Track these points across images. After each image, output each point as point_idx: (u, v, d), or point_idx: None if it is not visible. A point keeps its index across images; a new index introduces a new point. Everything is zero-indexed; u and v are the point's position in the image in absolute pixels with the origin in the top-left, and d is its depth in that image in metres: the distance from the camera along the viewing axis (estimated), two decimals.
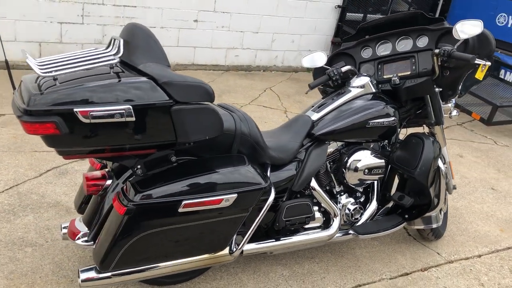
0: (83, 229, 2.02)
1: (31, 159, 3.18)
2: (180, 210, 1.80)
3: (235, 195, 1.88)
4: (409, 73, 2.52)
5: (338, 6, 6.06)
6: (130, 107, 1.66)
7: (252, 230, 2.05)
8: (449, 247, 2.91)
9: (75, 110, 1.60)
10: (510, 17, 6.13)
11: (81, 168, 3.16)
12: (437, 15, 7.32)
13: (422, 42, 2.51)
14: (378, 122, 2.37)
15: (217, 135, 1.88)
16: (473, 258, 2.85)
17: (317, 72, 2.74)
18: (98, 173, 2.00)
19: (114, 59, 1.74)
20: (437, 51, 2.33)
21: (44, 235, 2.48)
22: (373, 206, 2.52)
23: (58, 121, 1.59)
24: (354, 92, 2.45)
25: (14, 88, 1.94)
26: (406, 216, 2.57)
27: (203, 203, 1.83)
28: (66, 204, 2.76)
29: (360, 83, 2.47)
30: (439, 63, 2.39)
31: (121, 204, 1.76)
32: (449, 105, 2.62)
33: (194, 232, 1.89)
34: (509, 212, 3.48)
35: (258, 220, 2.04)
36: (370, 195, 2.55)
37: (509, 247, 3.03)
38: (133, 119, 1.67)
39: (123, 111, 1.65)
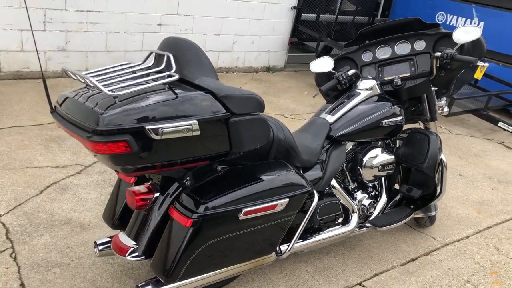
0: (131, 243, 2.01)
1: (25, 176, 3.05)
2: (241, 217, 1.87)
3: (287, 199, 1.98)
4: (409, 74, 2.73)
5: (294, 7, 6.25)
6: (196, 121, 1.71)
7: (300, 231, 2.16)
8: (440, 231, 3.18)
9: (146, 127, 1.63)
10: (448, 15, 6.66)
11: (80, 183, 3.08)
12: (379, 14, 7.76)
13: (420, 45, 2.73)
14: (390, 121, 2.56)
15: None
16: (463, 240, 3.14)
17: (320, 76, 2.87)
18: (143, 187, 2.00)
19: (174, 75, 1.77)
20: (438, 54, 2.55)
21: (67, 254, 2.42)
22: (383, 200, 2.71)
23: (130, 139, 1.61)
24: (363, 94, 2.62)
25: (52, 108, 1.90)
26: (412, 206, 2.80)
27: (260, 210, 1.91)
28: (78, 221, 2.70)
29: (368, 86, 2.64)
30: (438, 65, 2.62)
31: (185, 217, 1.80)
32: (442, 102, 2.88)
33: (250, 237, 1.97)
34: (479, 195, 3.84)
35: (305, 221, 2.16)
36: (379, 190, 2.74)
37: (488, 226, 3.37)
38: (198, 133, 1.72)
39: (190, 125, 1.70)
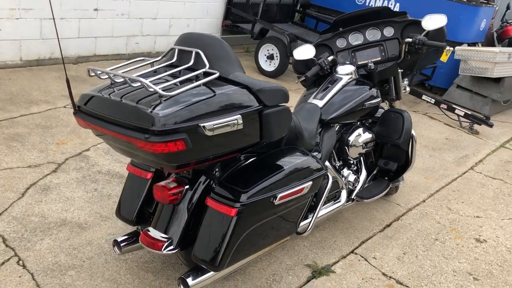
0: (164, 237, 2.05)
1: None
2: (276, 202, 1.99)
3: (311, 182, 2.14)
4: (379, 58, 2.98)
5: None
6: (240, 116, 1.80)
7: (318, 210, 2.34)
8: (402, 198, 3.56)
9: (200, 124, 1.68)
10: None
11: (60, 181, 2.97)
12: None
13: (388, 32, 2.99)
14: (371, 103, 2.81)
15: None
16: (421, 204, 3.55)
17: (298, 63, 3.02)
18: (171, 182, 2.04)
19: (214, 72, 1.82)
20: (409, 40, 2.83)
21: (76, 256, 2.38)
22: (364, 174, 2.98)
23: (186, 137, 1.66)
24: (345, 79, 2.83)
25: (76, 108, 1.87)
26: (386, 178, 3.10)
27: (292, 193, 2.05)
28: (73, 221, 2.63)
29: (348, 71, 2.85)
30: (406, 49, 2.91)
31: (228, 206, 1.88)
32: (405, 82, 3.19)
33: (280, 220, 2.11)
34: (422, 163, 4.30)
35: (323, 201, 2.34)
36: (359, 166, 3.00)
37: (437, 190, 3.82)
38: (242, 126, 1.81)
39: (236, 120, 1.79)
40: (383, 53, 2.99)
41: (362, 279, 2.58)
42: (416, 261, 2.81)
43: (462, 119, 5.49)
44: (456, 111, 5.48)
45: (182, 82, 1.80)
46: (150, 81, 1.71)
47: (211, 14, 6.29)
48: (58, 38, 1.97)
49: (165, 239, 2.03)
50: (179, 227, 2.04)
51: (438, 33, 2.90)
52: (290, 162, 2.13)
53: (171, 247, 2.02)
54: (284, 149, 2.24)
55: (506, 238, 3.24)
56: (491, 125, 5.35)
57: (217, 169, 2.03)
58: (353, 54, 3.03)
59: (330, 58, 2.88)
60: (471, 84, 6.18)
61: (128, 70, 1.98)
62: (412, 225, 3.21)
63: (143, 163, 2.18)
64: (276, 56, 5.83)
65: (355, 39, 3.04)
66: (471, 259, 2.93)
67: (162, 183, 2.04)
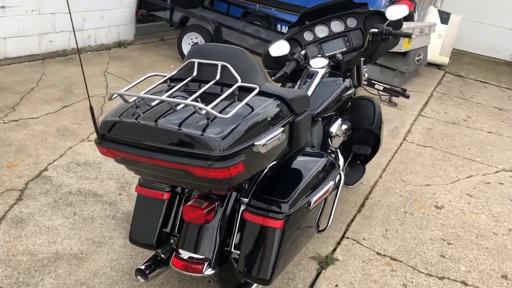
0: (200, 258, 1.98)
1: None
2: (310, 207, 2.03)
3: (332, 181, 2.20)
4: (345, 49, 3.10)
5: None
6: (282, 128, 1.79)
7: (335, 206, 2.41)
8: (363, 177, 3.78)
9: (255, 143, 1.65)
10: None
11: (32, 210, 2.68)
12: None
13: (351, 23, 3.11)
14: (347, 94, 2.92)
15: None
16: (380, 180, 3.81)
17: (270, 58, 3.02)
18: (201, 200, 1.97)
19: (254, 87, 1.78)
20: (375, 30, 2.97)
21: None
22: (341, 161, 3.12)
23: (245, 159, 1.62)
24: (321, 72, 2.90)
25: (100, 137, 1.73)
26: (358, 161, 3.28)
27: (321, 196, 2.10)
28: (67, 253, 2.42)
29: (323, 64, 2.92)
30: (370, 39, 3.05)
31: (273, 219, 1.88)
32: (365, 70, 3.36)
33: (310, 223, 2.15)
34: None
35: (339, 196, 2.42)
36: (336, 155, 3.13)
37: (386, 164, 4.12)
38: (285, 138, 1.81)
39: (281, 134, 1.78)
40: (347, 44, 3.11)
41: (363, 261, 2.74)
42: (398, 236, 3.04)
43: (381, 93, 5.91)
44: (376, 86, 5.88)
45: (231, 98, 1.75)
46: (191, 100, 1.63)
47: (125, 4, 5.94)
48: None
49: (202, 260, 1.97)
50: (213, 245, 1.99)
51: (396, 22, 3.08)
52: (312, 165, 2.17)
53: (210, 268, 1.97)
54: (296, 152, 2.26)
55: (457, 201, 3.62)
56: (407, 96, 5.84)
57: (245, 182, 2.00)
58: (319, 46, 3.11)
59: (303, 52, 2.93)
60: (381, 59, 6.65)
61: (151, 90, 1.85)
62: (381, 202, 3.44)
63: (160, 183, 2.07)
64: None
65: (321, 31, 3.11)
66: (439, 225, 3.25)
67: (192, 203, 1.96)
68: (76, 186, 2.98)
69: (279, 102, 1.86)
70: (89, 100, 1.72)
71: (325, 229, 2.42)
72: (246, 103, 1.76)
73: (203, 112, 1.61)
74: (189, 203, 1.97)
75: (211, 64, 1.90)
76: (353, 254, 2.79)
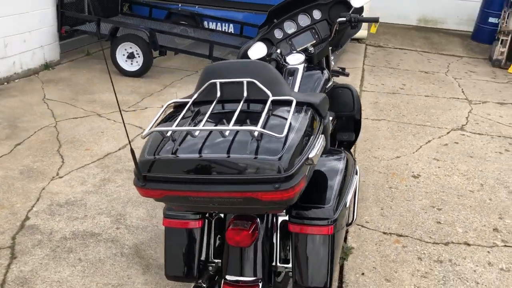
0: (250, 280, 1.93)
1: None
2: (347, 206, 2.05)
3: (357, 176, 2.24)
4: (315, 41, 3.14)
5: None
6: (323, 135, 1.80)
7: (357, 199, 2.46)
8: None
9: (309, 156, 1.64)
10: None
11: (31, 267, 2.46)
12: None
13: (317, 15, 3.15)
14: (329, 85, 2.97)
15: None
16: (356, 159, 3.92)
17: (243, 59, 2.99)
18: (242, 222, 1.92)
19: (291, 99, 1.76)
20: (343, 19, 3.03)
21: None
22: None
23: (305, 174, 1.61)
24: (301, 68, 2.91)
25: (143, 178, 1.63)
26: (342, 148, 3.35)
27: (353, 194, 2.13)
28: None
29: (301, 60, 2.94)
30: (337, 28, 3.11)
31: (322, 226, 1.88)
32: (331, 59, 3.42)
33: (346, 220, 2.18)
34: None
35: (358, 189, 2.45)
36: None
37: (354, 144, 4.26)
38: (324, 144, 1.81)
39: (322, 141, 1.78)
40: (316, 36, 3.15)
41: (375, 244, 2.83)
42: (394, 212, 3.18)
43: None
44: None
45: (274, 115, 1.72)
46: (234, 124, 1.59)
47: (46, 23, 5.52)
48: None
49: (255, 282, 1.93)
50: (261, 265, 1.95)
51: (359, 9, 3.17)
52: (339, 164, 2.18)
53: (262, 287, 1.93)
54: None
55: (428, 168, 3.85)
56: (347, 74, 5.99)
57: None
58: (290, 42, 3.12)
59: (279, 50, 2.92)
60: None
61: (181, 120, 1.76)
62: (367, 181, 3.57)
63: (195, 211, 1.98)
64: (138, 54, 5.48)
65: (289, 27, 3.12)
66: (423, 194, 3.44)
67: (234, 226, 1.89)
68: (68, 230, 2.76)
69: (311, 110, 1.85)
70: (129, 142, 1.60)
71: (352, 222, 2.47)
72: (280, 115, 1.74)
73: (256, 134, 1.56)
74: (230, 227, 1.90)
75: (235, 82, 1.84)
76: (364, 239, 2.87)
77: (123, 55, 5.53)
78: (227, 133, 1.63)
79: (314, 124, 1.82)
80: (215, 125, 1.73)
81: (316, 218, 1.89)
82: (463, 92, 5.96)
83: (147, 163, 1.64)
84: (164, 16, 6.76)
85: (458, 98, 5.70)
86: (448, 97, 5.70)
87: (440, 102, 5.53)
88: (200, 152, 1.61)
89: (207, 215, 2.06)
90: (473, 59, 7.79)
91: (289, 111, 1.78)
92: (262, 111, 1.79)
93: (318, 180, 2.08)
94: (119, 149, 3.78)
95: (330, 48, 3.24)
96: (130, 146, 1.56)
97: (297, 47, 3.10)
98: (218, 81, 1.86)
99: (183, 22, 6.66)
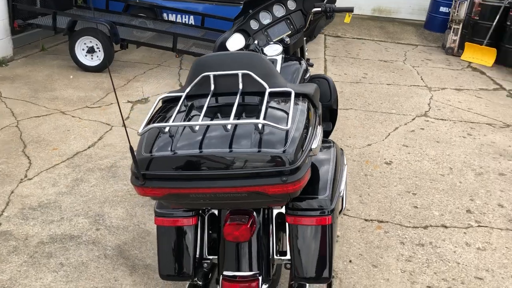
0: (250, 275, 1.90)
1: None
2: (341, 195, 2.06)
3: (346, 165, 2.25)
4: (290, 32, 3.12)
5: None
6: (320, 126, 1.79)
7: (347, 187, 2.47)
8: None
9: (312, 147, 1.63)
10: None
11: (10, 276, 2.32)
12: None
13: (291, 5, 3.13)
14: (307, 76, 2.96)
15: None
16: None
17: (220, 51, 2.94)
18: (239, 216, 1.89)
19: (289, 90, 1.73)
20: (319, 9, 3.02)
21: None
22: None
23: (310, 166, 1.60)
24: (279, 59, 2.89)
25: (142, 177, 1.58)
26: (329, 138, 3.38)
27: (345, 184, 2.14)
28: None
29: (278, 51, 2.91)
30: (312, 18, 3.11)
31: (321, 217, 1.87)
32: (305, 49, 3.42)
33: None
34: None
35: (346, 177, 2.47)
36: None
37: None
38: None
39: (320, 132, 1.77)
40: (291, 26, 3.14)
41: (359, 231, 2.87)
42: (372, 199, 3.23)
43: None
44: None
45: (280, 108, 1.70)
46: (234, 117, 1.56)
47: None
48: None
49: (255, 276, 1.90)
50: (260, 258, 1.93)
51: None
52: (330, 155, 2.18)
53: (264, 282, 1.91)
54: None
55: (399, 154, 3.95)
56: (312, 65, 6.03)
57: None
58: (266, 33, 3.09)
59: (256, 42, 2.89)
60: None
61: (177, 115, 1.69)
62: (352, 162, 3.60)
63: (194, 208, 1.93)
64: (98, 48, 5.29)
65: (265, 18, 3.09)
66: (397, 179, 3.52)
67: (231, 222, 1.86)
68: (45, 234, 2.63)
69: (307, 101, 1.84)
70: (128, 139, 1.52)
71: (342, 211, 2.48)
72: (281, 108, 1.71)
73: (260, 126, 1.53)
74: (228, 222, 1.87)
75: (230, 74, 1.79)
76: (347, 227, 2.91)
77: (83, 49, 5.31)
78: (228, 126, 1.59)
79: (310, 115, 1.80)
80: (213, 119, 1.69)
81: (313, 209, 1.89)
82: (422, 79, 6.14)
83: (145, 161, 1.57)
84: (121, 9, 6.55)
85: (419, 86, 5.86)
86: (409, 85, 5.85)
87: (402, 90, 5.67)
88: (201, 147, 1.57)
89: (199, 211, 2.01)
90: (427, 47, 8.05)
91: (286, 103, 1.77)
92: (260, 103, 1.77)
93: (312, 171, 2.07)
94: (89, 147, 3.64)
95: (304, 38, 3.24)
96: (130, 144, 1.49)
97: (273, 38, 3.08)
98: (212, 73, 1.81)
99: (142, 15, 6.48)
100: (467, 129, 4.59)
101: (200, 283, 2.03)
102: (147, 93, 4.90)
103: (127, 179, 3.21)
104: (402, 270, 2.57)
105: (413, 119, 4.75)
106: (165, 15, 6.81)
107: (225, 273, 1.93)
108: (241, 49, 2.87)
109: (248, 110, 1.73)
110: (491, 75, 6.60)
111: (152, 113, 1.72)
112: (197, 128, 1.61)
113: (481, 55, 7.21)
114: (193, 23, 6.68)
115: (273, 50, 2.90)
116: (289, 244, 1.93)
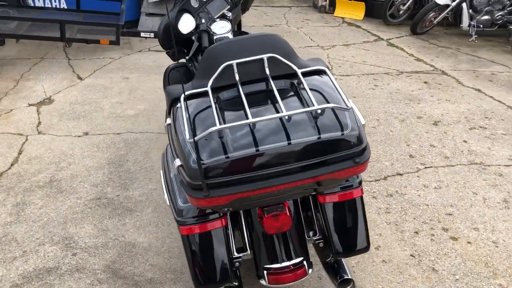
0: (296, 263, 1.86)
1: None
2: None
3: None
4: (229, 6, 2.99)
5: None
6: (350, 99, 1.79)
7: None
8: None
9: (363, 123, 1.63)
10: None
11: None
12: None
13: None
14: None
15: None
16: None
17: (167, 37, 2.73)
18: (275, 206, 1.83)
19: (324, 69, 1.68)
20: None
21: None
22: None
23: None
24: (231, 37, 2.77)
25: (207, 187, 1.45)
26: None
27: None
28: None
29: (227, 28, 2.78)
30: None
31: (353, 190, 1.89)
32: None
33: None
34: None
35: None
36: None
37: None
38: None
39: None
40: (229, 0, 3.00)
41: None
42: None
43: None
44: None
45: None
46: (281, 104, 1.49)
47: None
48: None
49: (301, 263, 1.86)
50: (300, 244, 1.89)
51: None
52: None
53: (310, 267, 1.88)
54: None
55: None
56: None
57: None
58: (205, 10, 2.92)
59: (203, 21, 2.73)
60: (158, 9, 6.45)
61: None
62: None
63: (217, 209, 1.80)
64: None
65: None
66: None
67: (267, 214, 1.78)
68: (14, 275, 2.24)
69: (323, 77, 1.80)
70: (197, 151, 1.34)
71: None
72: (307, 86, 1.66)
73: (319, 111, 1.48)
74: (265, 215, 1.79)
75: (254, 60, 1.67)
76: None
77: None
78: (286, 117, 1.50)
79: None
80: (261, 112, 1.57)
81: (344, 186, 1.90)
82: (311, 39, 6.39)
83: (210, 169, 1.42)
84: None
85: (312, 46, 6.10)
86: (303, 46, 6.06)
87: (300, 51, 5.84)
88: (261, 144, 1.46)
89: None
90: (300, 7, 8.37)
91: (319, 81, 1.71)
92: (292, 86, 1.69)
93: None
94: (12, 165, 3.13)
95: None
96: (198, 155, 1.32)
97: (214, 14, 2.93)
98: (235, 62, 1.67)
99: (2, 3, 5.63)
100: (372, 80, 4.94)
101: (236, 283, 1.93)
102: (47, 92, 4.34)
103: (78, 192, 2.85)
104: (387, 222, 2.73)
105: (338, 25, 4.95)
106: (30, 1, 6.02)
107: (268, 266, 1.86)
108: (193, 29, 2.70)
109: (290, 95, 1.65)
110: (366, 27, 7.12)
111: (187, 116, 1.53)
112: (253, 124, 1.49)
113: (352, 10, 7.73)
114: (65, 7, 6.02)
115: (221, 28, 2.77)
116: (324, 222, 1.92)
